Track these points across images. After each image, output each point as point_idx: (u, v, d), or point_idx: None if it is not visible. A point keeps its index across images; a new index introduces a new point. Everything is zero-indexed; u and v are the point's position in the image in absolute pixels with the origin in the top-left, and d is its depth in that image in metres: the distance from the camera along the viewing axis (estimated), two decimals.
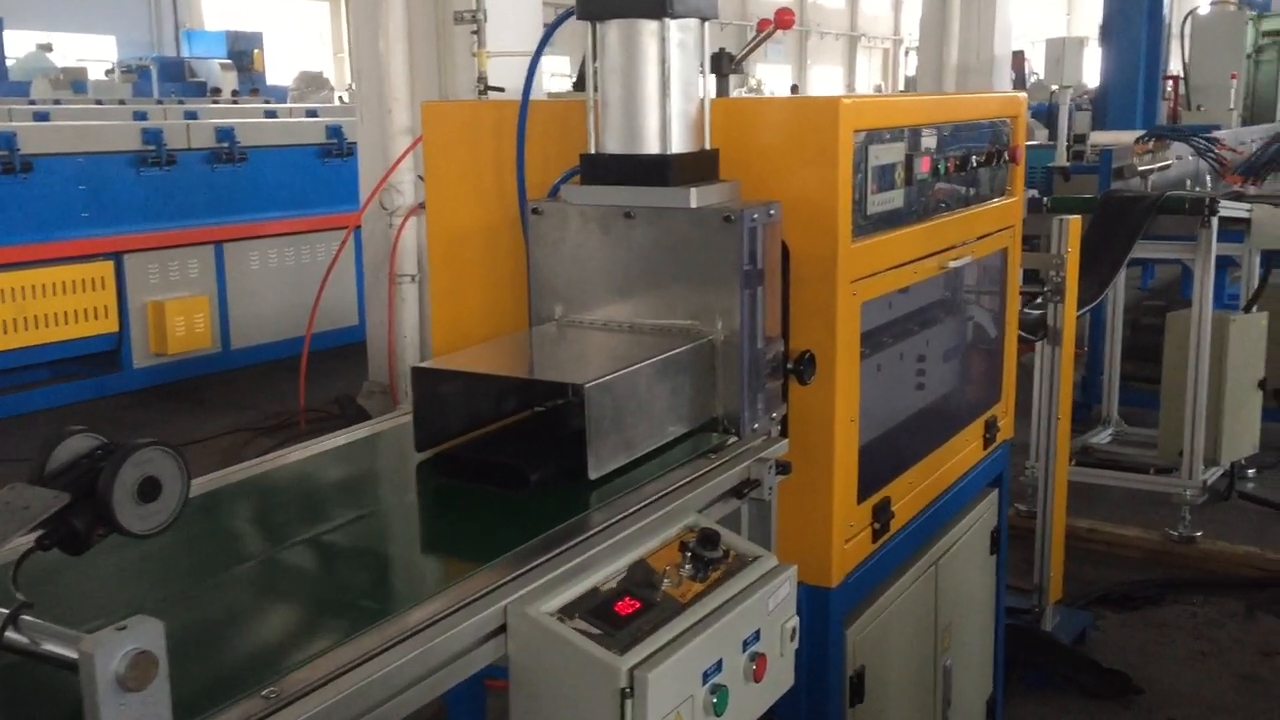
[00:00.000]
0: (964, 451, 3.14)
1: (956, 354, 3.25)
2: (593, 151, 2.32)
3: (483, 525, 1.85)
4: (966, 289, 3.26)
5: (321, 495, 2.07)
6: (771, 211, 2.25)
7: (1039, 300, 4.34)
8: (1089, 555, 5.44)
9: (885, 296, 2.67)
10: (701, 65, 2.31)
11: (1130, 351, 6.88)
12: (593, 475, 1.92)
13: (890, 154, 2.53)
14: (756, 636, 1.72)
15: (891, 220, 2.59)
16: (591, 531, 1.76)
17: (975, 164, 2.95)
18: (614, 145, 2.28)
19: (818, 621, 2.48)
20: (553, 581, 1.61)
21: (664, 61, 2.20)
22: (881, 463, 2.70)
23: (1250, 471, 6.40)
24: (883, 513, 2.67)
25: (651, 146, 2.24)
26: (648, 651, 1.55)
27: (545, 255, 2.38)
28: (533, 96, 2.53)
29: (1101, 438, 6.64)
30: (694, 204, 2.21)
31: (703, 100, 2.31)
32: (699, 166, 2.29)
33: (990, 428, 3.30)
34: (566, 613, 1.57)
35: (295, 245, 9.20)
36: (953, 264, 2.88)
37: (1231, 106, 11.79)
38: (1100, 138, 8.74)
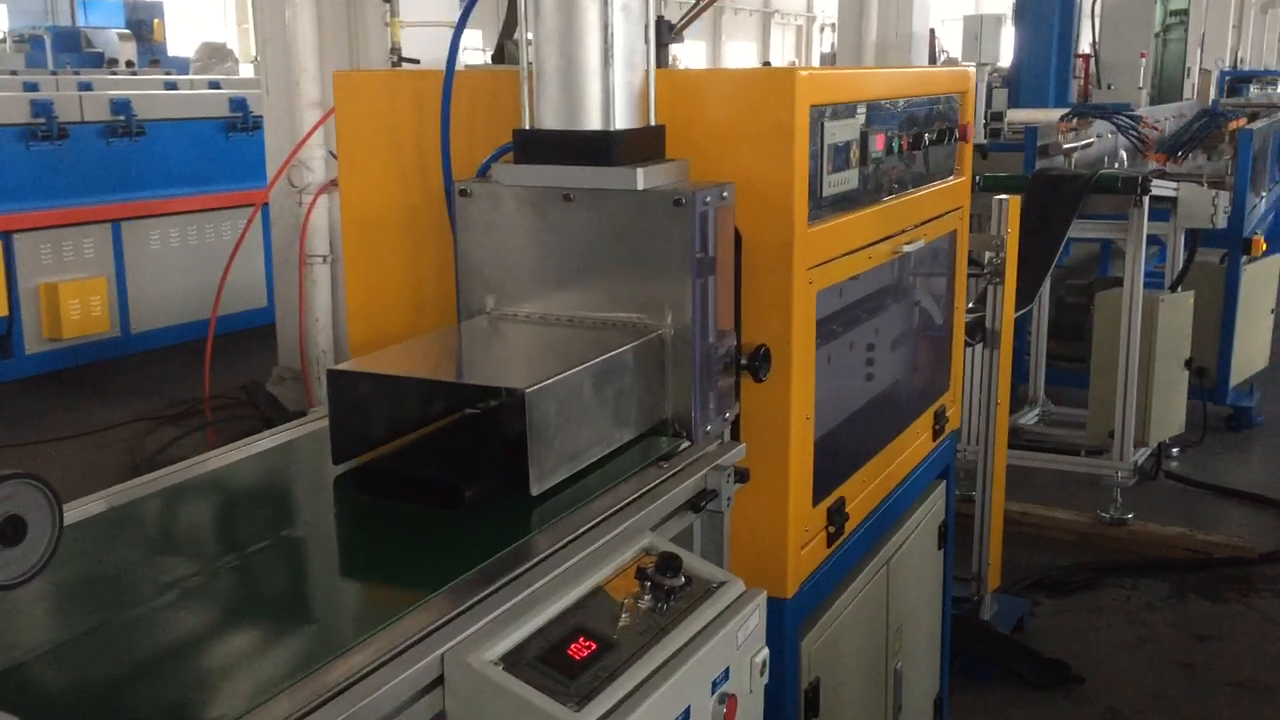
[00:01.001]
0: (915, 444, 3.00)
1: (906, 342, 3.09)
2: (527, 127, 2.10)
3: (411, 554, 1.62)
4: (915, 274, 3.10)
5: (223, 519, 1.82)
6: (724, 194, 2.06)
7: (974, 294, 4.22)
8: (1019, 539, 5.37)
9: (837, 284, 2.50)
10: (646, 32, 2.10)
11: (1053, 330, 6.83)
12: (535, 491, 1.71)
13: (846, 131, 2.35)
14: (726, 675, 1.53)
15: (846, 202, 2.42)
16: (536, 559, 1.55)
17: (928, 142, 2.79)
18: (551, 120, 2.06)
19: (772, 636, 2.28)
20: (496, 622, 1.40)
21: (607, 27, 1.98)
22: (835, 461, 2.53)
23: (1174, 450, 6.39)
24: (837, 515, 2.50)
25: (593, 122, 2.03)
26: (608, 704, 1.34)
27: (475, 241, 2.16)
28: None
29: (1028, 418, 6.59)
30: (640, 185, 2.01)
31: (647, 71, 2.10)
32: (645, 144, 2.09)
33: (939, 418, 3.16)
34: (513, 660, 1.36)
35: (198, 224, 8.77)
36: (906, 248, 2.71)
37: (1141, 85, 11.94)
38: (1016, 116, 8.72)
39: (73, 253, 8.01)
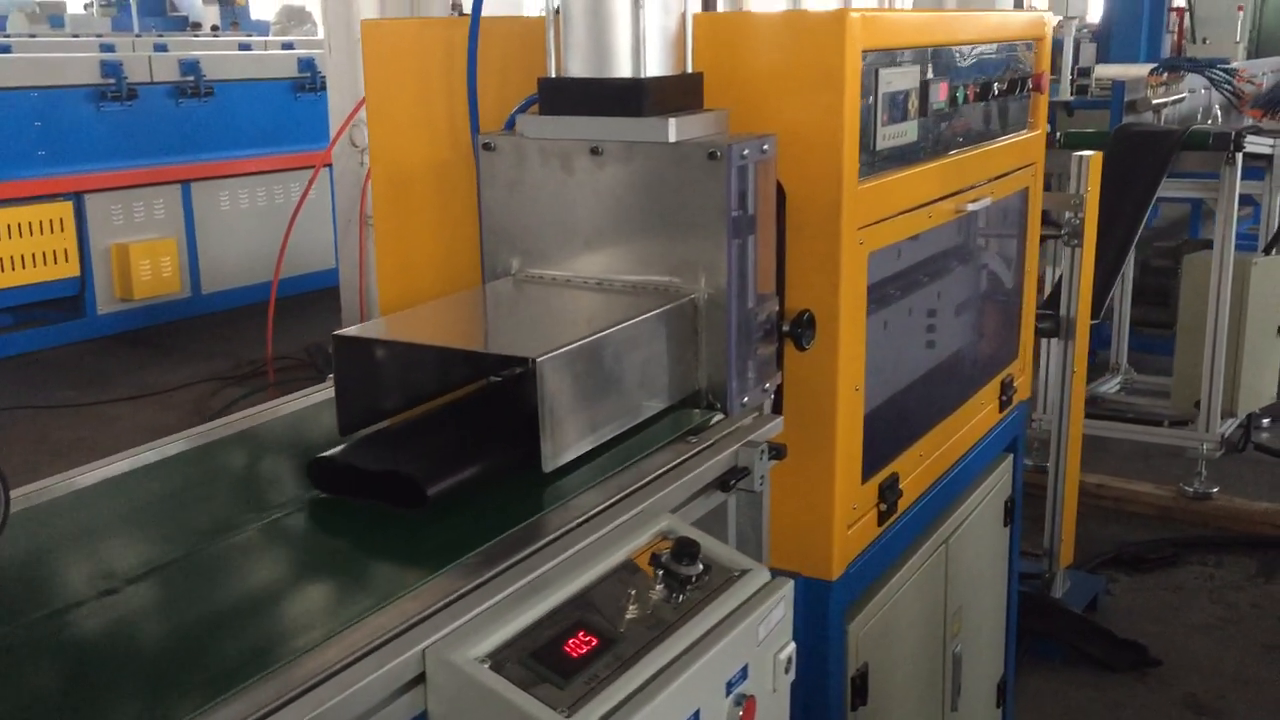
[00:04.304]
0: (978, 416, 2.82)
1: (970, 308, 2.91)
2: (553, 75, 1.96)
3: (395, 539, 1.49)
4: (983, 234, 2.91)
5: (198, 502, 1.67)
6: (765, 147, 1.90)
7: (1053, 258, 4.01)
8: (1096, 512, 5.15)
9: (894, 245, 2.33)
10: None
11: (1138, 295, 6.52)
12: (547, 468, 1.58)
13: (903, 79, 2.17)
14: (744, 674, 1.40)
15: (903, 157, 2.24)
16: (540, 543, 1.43)
17: (997, 92, 2.59)
18: (578, 67, 1.91)
19: (815, 619, 2.17)
20: (488, 614, 1.28)
21: None
22: (888, 435, 2.37)
23: (1264, 421, 6.09)
24: (890, 492, 2.35)
25: (623, 69, 1.88)
26: (605, 708, 1.22)
27: (499, 198, 2.03)
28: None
29: (1110, 386, 6.32)
30: (673, 137, 1.86)
31: (684, 13, 1.94)
32: (679, 93, 1.93)
33: (1006, 388, 2.97)
34: (502, 657, 1.23)
35: (267, 185, 8.79)
36: (970, 207, 2.53)
37: (1238, 39, 11.45)
38: (1104, 71, 8.39)
39: (143, 213, 8.07)
